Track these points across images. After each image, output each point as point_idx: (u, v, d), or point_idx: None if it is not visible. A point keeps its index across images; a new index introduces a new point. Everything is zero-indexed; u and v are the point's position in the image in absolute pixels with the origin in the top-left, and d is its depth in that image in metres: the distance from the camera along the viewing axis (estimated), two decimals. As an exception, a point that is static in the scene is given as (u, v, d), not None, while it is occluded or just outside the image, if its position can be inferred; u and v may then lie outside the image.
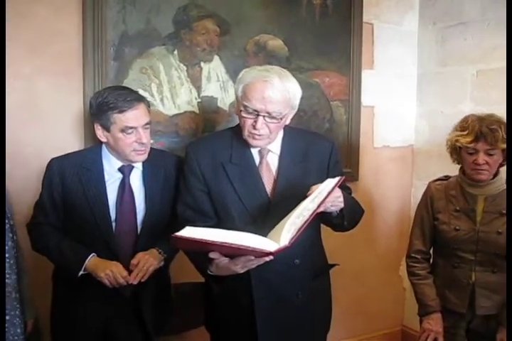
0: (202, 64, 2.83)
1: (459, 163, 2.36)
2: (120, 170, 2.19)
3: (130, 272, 2.07)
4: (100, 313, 2.20)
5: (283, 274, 2.00)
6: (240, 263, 1.75)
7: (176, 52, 2.75)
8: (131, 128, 2.07)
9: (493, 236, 2.24)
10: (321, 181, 1.81)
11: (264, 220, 1.91)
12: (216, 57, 2.86)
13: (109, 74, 2.59)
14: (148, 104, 2.17)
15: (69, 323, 2.20)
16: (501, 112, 2.33)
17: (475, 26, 3.20)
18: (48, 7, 2.47)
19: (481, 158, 2.19)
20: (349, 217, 1.95)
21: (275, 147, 2.05)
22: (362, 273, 3.57)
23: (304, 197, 1.76)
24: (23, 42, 2.43)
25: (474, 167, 2.23)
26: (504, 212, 2.23)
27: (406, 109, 3.64)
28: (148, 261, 2.10)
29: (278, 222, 1.75)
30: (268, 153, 2.04)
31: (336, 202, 1.83)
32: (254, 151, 2.03)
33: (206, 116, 2.87)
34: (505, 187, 2.28)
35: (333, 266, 2.23)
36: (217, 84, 2.88)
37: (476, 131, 2.18)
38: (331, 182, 1.79)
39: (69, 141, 2.55)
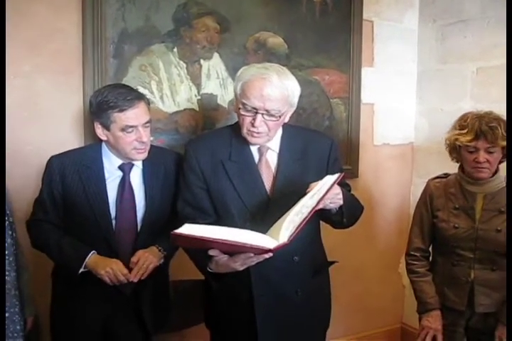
0: (202, 61, 2.83)
1: (457, 162, 2.36)
2: (120, 167, 2.19)
3: (130, 270, 2.07)
4: (100, 311, 2.21)
5: (282, 271, 2.01)
6: (239, 261, 1.75)
7: (175, 49, 2.75)
8: (131, 127, 2.07)
9: (492, 234, 2.24)
10: (320, 178, 1.81)
11: (263, 217, 1.91)
12: (216, 55, 2.86)
13: (109, 71, 2.59)
14: (148, 102, 2.17)
15: (68, 321, 2.21)
16: (501, 110, 2.33)
17: (475, 24, 3.20)
18: (48, 5, 2.47)
19: (482, 156, 2.19)
20: (348, 214, 1.95)
21: (274, 144, 2.05)
22: (361, 271, 3.57)
23: (303, 194, 1.76)
24: (22, 40, 2.43)
25: (475, 165, 2.22)
26: (503, 209, 2.23)
27: (406, 106, 3.63)
28: (148, 259, 2.10)
29: (277, 219, 1.75)
30: (267, 151, 2.04)
31: (335, 199, 1.83)
32: (254, 149, 2.03)
33: (206, 113, 2.87)
34: (504, 185, 2.27)
35: (332, 263, 2.24)
36: (216, 81, 2.88)
37: (476, 130, 2.17)
38: (330, 179, 1.79)
39: (69, 139, 2.55)
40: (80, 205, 2.14)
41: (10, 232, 1.92)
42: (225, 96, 2.90)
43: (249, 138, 1.96)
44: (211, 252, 1.75)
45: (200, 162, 2.03)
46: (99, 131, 2.13)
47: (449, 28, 3.36)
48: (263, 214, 1.94)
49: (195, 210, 2.05)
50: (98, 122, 2.11)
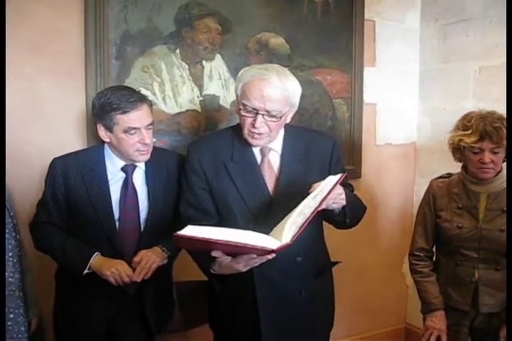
0: (204, 62, 2.83)
1: (460, 161, 2.35)
2: (123, 169, 2.20)
3: (133, 270, 2.08)
4: (104, 311, 2.22)
5: (285, 272, 2.01)
6: (242, 262, 1.75)
7: (177, 50, 2.75)
8: (134, 129, 2.07)
9: (495, 234, 2.23)
10: (323, 179, 1.81)
11: (265, 218, 1.91)
12: (218, 56, 2.86)
13: (111, 73, 2.59)
14: (151, 104, 2.18)
15: (72, 322, 2.21)
16: (504, 109, 2.34)
17: (477, 23, 3.20)
18: (50, 6, 2.47)
19: (487, 156, 2.18)
20: (351, 214, 1.95)
21: (276, 145, 2.05)
22: (365, 271, 3.57)
23: (306, 194, 1.76)
24: (24, 41, 2.43)
25: (480, 166, 2.21)
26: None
27: (408, 106, 3.63)
28: (150, 259, 2.10)
29: (280, 220, 1.75)
30: (269, 152, 2.03)
31: (338, 199, 1.83)
32: (256, 150, 2.03)
33: (208, 114, 2.87)
34: (507, 185, 2.27)
35: (335, 263, 2.24)
36: (219, 82, 2.88)
37: (481, 131, 2.15)
38: (332, 180, 1.79)
39: (71, 141, 2.56)
40: (83, 207, 2.15)
41: (14, 234, 1.93)
42: (227, 97, 2.90)
43: (250, 140, 1.96)
44: (214, 253, 1.75)
45: (202, 163, 2.03)
46: (102, 133, 2.13)
47: (451, 28, 3.36)
48: (266, 215, 1.94)
49: (198, 212, 2.05)
50: (101, 124, 2.11)
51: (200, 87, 2.84)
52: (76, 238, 2.16)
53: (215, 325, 2.26)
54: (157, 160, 2.23)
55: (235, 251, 1.72)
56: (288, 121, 2.03)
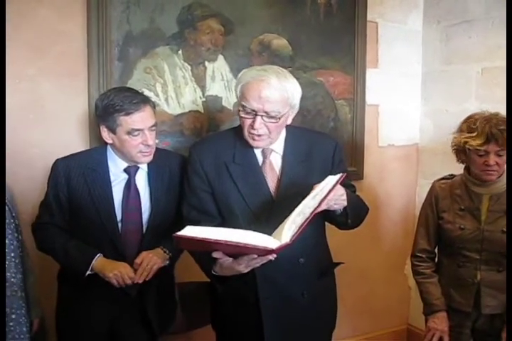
0: (206, 63, 2.84)
1: (463, 163, 2.35)
2: (126, 170, 2.20)
3: (135, 271, 2.08)
4: (106, 313, 2.22)
5: (288, 273, 2.01)
6: (243, 263, 1.75)
7: (180, 51, 2.75)
8: (137, 130, 2.07)
9: (497, 235, 2.23)
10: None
11: (267, 219, 1.91)
12: (220, 57, 2.86)
13: (114, 74, 2.59)
14: (154, 106, 2.17)
15: (74, 323, 2.22)
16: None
17: (479, 24, 3.20)
18: (52, 7, 2.47)
19: (492, 159, 2.18)
20: (353, 214, 1.95)
21: (278, 147, 2.05)
22: (367, 272, 3.57)
23: (306, 195, 1.76)
24: (27, 43, 2.44)
25: (485, 168, 2.21)
26: (509, 210, 2.23)
27: (411, 107, 3.63)
28: (152, 260, 2.10)
29: (282, 221, 1.74)
30: (271, 153, 2.03)
31: (339, 200, 1.83)
32: (257, 151, 2.03)
33: (211, 115, 2.88)
34: (509, 186, 2.27)
35: (338, 264, 2.24)
36: (221, 83, 2.89)
37: (487, 133, 2.15)
38: (332, 180, 1.79)
39: (74, 141, 2.56)
40: (85, 208, 2.15)
41: (16, 235, 1.93)
42: (229, 98, 2.90)
43: (251, 142, 1.96)
44: (215, 254, 1.75)
45: (203, 165, 2.03)
46: (105, 135, 2.13)
47: (454, 29, 3.35)
48: (267, 216, 1.94)
49: (200, 213, 2.05)
50: (104, 125, 2.11)
51: (203, 88, 2.85)
52: (78, 239, 2.16)
53: (218, 326, 2.26)
54: (159, 161, 2.23)
55: (235, 251, 1.72)
56: (289, 122, 2.03)
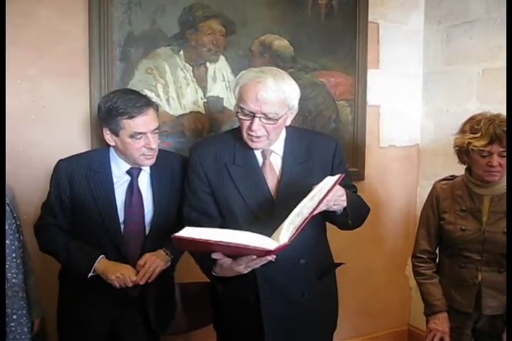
0: (208, 64, 2.84)
1: (465, 164, 2.35)
2: (128, 172, 2.20)
3: (137, 272, 2.08)
4: (107, 314, 2.22)
5: (289, 274, 2.01)
6: (243, 263, 1.75)
7: (181, 52, 2.76)
8: (140, 133, 2.07)
9: (499, 236, 2.23)
10: None
11: (268, 220, 1.89)
12: (222, 58, 2.86)
13: (115, 75, 2.60)
14: (157, 109, 2.17)
15: (75, 324, 2.22)
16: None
17: (480, 25, 3.20)
18: (53, 8, 2.47)
19: (495, 160, 2.17)
20: (353, 215, 1.94)
21: (278, 148, 2.05)
22: (368, 272, 3.57)
23: (306, 196, 1.76)
24: (28, 43, 2.44)
25: (488, 169, 2.20)
26: (511, 211, 2.23)
27: (412, 108, 3.63)
28: (155, 262, 2.11)
29: (282, 222, 1.74)
30: (271, 154, 2.03)
31: (339, 200, 1.82)
32: (257, 152, 2.03)
33: (212, 116, 2.88)
34: (510, 187, 2.27)
35: (339, 264, 2.23)
36: (222, 84, 2.89)
37: (491, 134, 2.14)
38: (330, 180, 1.78)
39: (75, 142, 2.56)
40: (88, 210, 2.15)
41: (17, 235, 1.93)
42: (231, 98, 2.89)
43: (250, 143, 1.97)
44: (214, 255, 1.75)
45: (204, 166, 2.03)
46: (108, 137, 2.13)
47: (455, 30, 3.36)
48: (268, 217, 1.94)
49: (201, 215, 2.05)
50: (107, 128, 2.11)
51: (204, 89, 2.85)
52: (81, 240, 2.16)
53: (219, 327, 2.26)
54: (161, 162, 2.23)
55: (234, 252, 1.72)
56: (288, 123, 2.03)
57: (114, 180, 2.18)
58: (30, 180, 2.47)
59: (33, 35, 2.45)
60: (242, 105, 1.90)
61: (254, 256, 1.71)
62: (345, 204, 1.86)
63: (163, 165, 2.24)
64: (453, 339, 2.37)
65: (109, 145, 2.19)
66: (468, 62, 3.29)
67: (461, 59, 3.33)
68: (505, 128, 2.14)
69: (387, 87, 3.49)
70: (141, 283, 2.07)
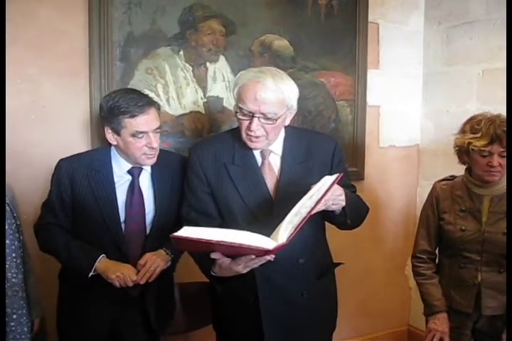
0: (208, 64, 2.84)
1: (465, 164, 2.35)
2: (129, 172, 2.20)
3: (137, 272, 2.09)
4: (107, 313, 2.22)
5: (287, 274, 2.01)
6: (241, 263, 1.75)
7: (181, 52, 2.76)
8: (141, 132, 2.08)
9: (498, 237, 2.23)
10: None
11: (267, 220, 1.89)
12: (222, 58, 2.87)
13: (115, 75, 2.60)
14: (159, 108, 2.18)
15: (75, 323, 2.22)
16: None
17: (480, 26, 3.20)
18: (53, 7, 2.48)
19: (496, 160, 2.17)
20: (352, 214, 1.94)
21: (277, 147, 2.05)
22: (368, 273, 3.57)
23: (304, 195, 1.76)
24: (28, 42, 2.44)
25: (488, 169, 2.21)
26: (510, 212, 2.23)
27: (412, 108, 3.63)
28: (155, 262, 2.11)
29: (281, 222, 1.75)
30: (270, 154, 2.04)
31: (338, 200, 1.82)
32: (256, 152, 2.04)
33: (212, 116, 2.88)
34: (510, 187, 2.27)
35: (338, 264, 2.23)
36: (222, 84, 2.89)
37: (491, 134, 2.15)
38: (329, 180, 1.78)
39: (75, 142, 2.56)
40: (89, 209, 2.15)
41: (17, 235, 1.93)
42: (230, 98, 2.89)
43: (249, 143, 1.97)
44: (213, 255, 1.75)
45: (203, 166, 2.04)
46: (110, 136, 2.13)
47: (455, 30, 3.36)
48: (267, 217, 1.94)
49: (200, 214, 2.05)
50: (109, 127, 2.11)
51: (204, 89, 2.85)
52: (81, 240, 2.16)
53: (218, 327, 2.26)
54: (162, 162, 2.23)
55: (233, 252, 1.72)
56: (286, 123, 2.03)
57: (115, 179, 2.18)
58: (30, 179, 2.47)
59: (33, 35, 2.45)
60: (241, 105, 1.91)
61: (253, 256, 1.71)
62: (343, 203, 1.86)
63: (164, 165, 2.24)
64: (452, 339, 2.37)
65: (110, 145, 2.20)
66: (468, 63, 3.29)
67: (461, 59, 3.34)
68: (506, 129, 2.14)
69: (387, 88, 3.50)
70: (142, 282, 2.07)
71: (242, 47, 2.91)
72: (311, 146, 2.08)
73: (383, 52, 3.45)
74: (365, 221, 2.16)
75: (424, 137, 3.66)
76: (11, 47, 2.29)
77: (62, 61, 2.52)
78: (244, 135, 1.96)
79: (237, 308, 2.09)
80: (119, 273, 2.05)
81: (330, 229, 2.16)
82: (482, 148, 2.17)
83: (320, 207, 1.73)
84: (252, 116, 1.89)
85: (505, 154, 2.17)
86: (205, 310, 2.29)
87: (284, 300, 2.03)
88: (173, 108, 2.78)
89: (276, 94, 1.88)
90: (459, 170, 2.42)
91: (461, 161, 2.35)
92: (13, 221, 1.92)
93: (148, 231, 2.21)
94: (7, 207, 1.89)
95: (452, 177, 2.46)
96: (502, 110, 2.32)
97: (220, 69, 2.87)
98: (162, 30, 2.69)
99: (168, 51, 2.73)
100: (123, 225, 2.17)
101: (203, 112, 2.85)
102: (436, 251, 2.50)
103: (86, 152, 2.32)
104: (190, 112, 2.82)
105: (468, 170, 2.35)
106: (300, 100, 2.02)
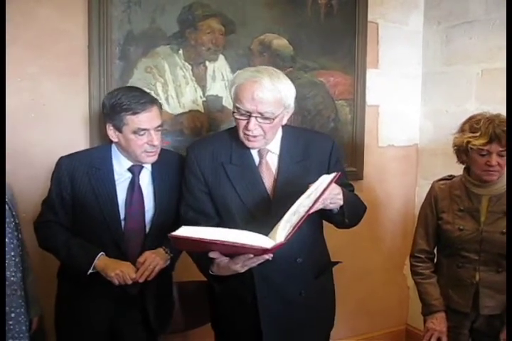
0: (207, 63, 2.84)
1: (463, 164, 2.35)
2: (130, 170, 2.20)
3: (137, 270, 2.09)
4: (106, 311, 2.23)
5: (286, 272, 2.01)
6: (239, 262, 1.75)
7: (180, 51, 2.76)
8: (143, 130, 2.08)
9: (497, 236, 2.23)
10: None
11: (265, 219, 1.90)
12: (221, 57, 2.87)
13: (115, 73, 2.60)
14: (160, 107, 2.18)
15: (74, 321, 2.22)
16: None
17: (480, 25, 3.20)
18: (53, 7, 2.48)
19: (494, 159, 2.17)
20: (350, 213, 1.95)
21: (274, 147, 2.05)
22: (366, 272, 3.57)
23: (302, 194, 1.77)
24: (28, 42, 2.44)
25: (486, 168, 2.21)
26: (509, 211, 2.23)
27: (411, 108, 3.63)
28: (154, 260, 2.11)
29: (279, 221, 1.75)
30: (267, 153, 2.04)
31: (335, 199, 1.83)
32: (254, 151, 2.04)
33: (211, 115, 2.88)
34: (509, 187, 2.27)
35: (336, 263, 2.23)
36: (222, 83, 2.89)
37: (490, 133, 2.15)
38: (326, 179, 1.79)
39: (75, 141, 2.56)
40: (89, 206, 2.16)
41: (16, 233, 1.93)
42: (229, 97, 2.88)
43: (246, 143, 1.97)
44: (211, 254, 1.75)
45: (200, 166, 2.04)
46: (111, 133, 2.14)
47: (454, 30, 3.36)
48: (265, 216, 1.94)
49: (198, 214, 2.05)
50: (110, 124, 2.12)
51: (203, 88, 2.85)
52: (81, 237, 2.17)
53: (217, 326, 2.26)
54: (163, 161, 2.23)
55: (231, 251, 1.72)
56: (284, 122, 2.03)
57: (116, 177, 2.19)
58: (29, 178, 2.47)
59: (32, 34, 2.45)
60: (238, 105, 1.91)
61: (251, 255, 1.72)
62: (341, 202, 1.86)
63: (164, 164, 2.25)
64: (450, 339, 2.37)
65: (111, 143, 2.20)
66: (468, 63, 3.29)
67: (461, 59, 3.34)
68: (505, 128, 2.14)
69: (386, 87, 3.50)
70: (141, 280, 2.08)
71: (241, 46, 2.91)
72: (308, 145, 2.09)
73: (383, 52, 3.45)
74: (363, 220, 2.16)
75: (423, 137, 3.66)
76: (11, 47, 2.29)
77: (61, 60, 2.53)
78: (241, 134, 1.96)
79: (236, 307, 2.09)
80: (118, 270, 2.06)
81: (328, 227, 2.17)
82: (481, 147, 2.18)
83: (318, 206, 1.73)
84: (249, 115, 1.90)
85: (503, 153, 2.17)
86: (204, 309, 2.30)
87: (282, 299, 2.03)
88: (172, 107, 2.78)
89: (274, 94, 1.88)
90: (458, 169, 2.42)
91: (460, 160, 2.35)
92: (12, 219, 1.92)
93: (147, 229, 2.21)
94: (6, 206, 1.89)
95: (451, 177, 2.47)
96: (501, 110, 2.32)
97: (219, 68, 2.87)
98: (161, 28, 2.69)
99: (168, 50, 2.73)
100: (123, 223, 2.17)
101: (202, 111, 2.86)
102: (435, 251, 2.50)
103: (86, 150, 2.33)
104: (190, 111, 2.82)
105: (467, 170, 2.36)
106: (299, 99, 2.03)
